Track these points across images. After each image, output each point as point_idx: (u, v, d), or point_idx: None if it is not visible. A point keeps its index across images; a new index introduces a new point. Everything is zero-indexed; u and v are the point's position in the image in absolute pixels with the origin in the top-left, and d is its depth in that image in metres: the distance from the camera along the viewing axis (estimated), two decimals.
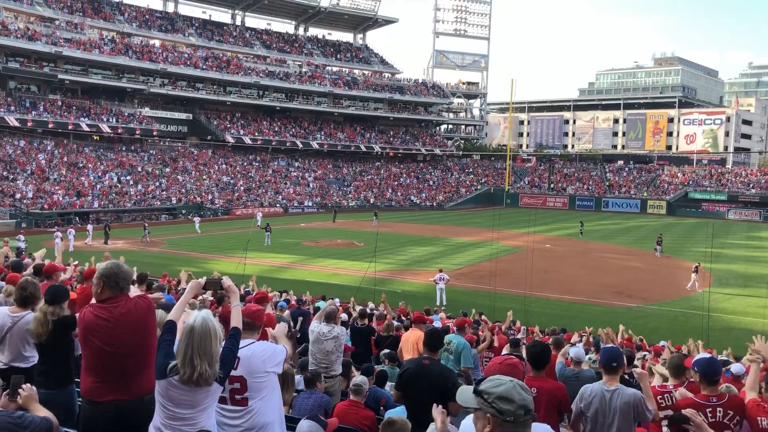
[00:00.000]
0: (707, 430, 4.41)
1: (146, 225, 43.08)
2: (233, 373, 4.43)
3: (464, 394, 2.78)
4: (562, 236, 49.81)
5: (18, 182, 50.91)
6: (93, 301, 4.50)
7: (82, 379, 4.32)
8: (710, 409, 4.81)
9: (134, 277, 4.74)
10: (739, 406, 4.86)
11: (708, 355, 5.35)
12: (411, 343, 8.93)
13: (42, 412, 3.96)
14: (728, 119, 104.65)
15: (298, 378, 7.58)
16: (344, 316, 12.78)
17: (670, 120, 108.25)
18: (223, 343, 4.21)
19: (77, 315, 5.41)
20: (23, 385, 4.00)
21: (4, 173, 51.53)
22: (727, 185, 79.64)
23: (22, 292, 5.57)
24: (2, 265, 11.66)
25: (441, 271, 26.63)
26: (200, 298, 10.18)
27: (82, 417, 4.24)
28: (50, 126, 57.95)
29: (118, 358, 4.23)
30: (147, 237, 41.36)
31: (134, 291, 4.88)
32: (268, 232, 41.51)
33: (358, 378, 6.53)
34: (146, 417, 4.23)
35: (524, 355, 7.82)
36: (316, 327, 8.15)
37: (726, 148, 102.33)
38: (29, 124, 56.60)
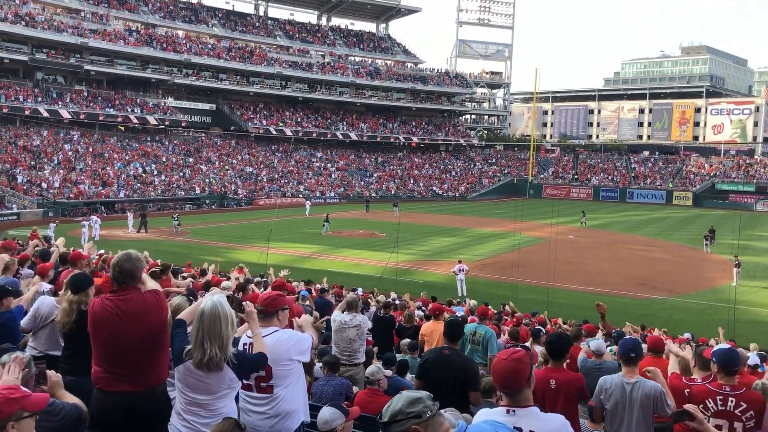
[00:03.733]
0: (707, 426, 4.33)
1: (175, 216, 42.44)
2: None
3: None
4: (586, 227, 49.38)
5: (45, 172, 51.71)
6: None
7: (93, 368, 4.31)
8: (721, 397, 4.74)
9: (145, 269, 4.62)
10: (757, 402, 4.75)
11: (727, 346, 5.28)
12: (438, 335, 8.89)
13: (71, 398, 4.03)
14: (757, 109, 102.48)
15: (316, 367, 7.64)
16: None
17: (697, 110, 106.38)
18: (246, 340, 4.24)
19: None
20: (49, 372, 4.07)
21: (32, 163, 52.36)
22: (755, 176, 78.28)
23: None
24: (30, 254, 11.85)
25: (460, 262, 26.57)
26: (222, 285, 10.29)
27: (93, 404, 4.23)
28: (75, 116, 58.75)
29: (127, 351, 4.19)
30: (178, 228, 40.89)
31: (153, 284, 4.83)
32: (327, 222, 42.40)
33: (371, 368, 6.54)
34: (157, 408, 4.27)
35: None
36: (338, 316, 8.25)
37: (755, 138, 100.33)
38: (56, 114, 57.44)
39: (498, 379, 3.38)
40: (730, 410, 4.71)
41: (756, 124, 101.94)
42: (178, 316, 4.40)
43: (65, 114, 58.02)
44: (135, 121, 63.42)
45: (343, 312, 8.29)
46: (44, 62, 60.05)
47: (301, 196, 66.22)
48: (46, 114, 56.81)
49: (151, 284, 4.71)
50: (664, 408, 5.00)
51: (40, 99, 57.90)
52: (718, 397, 4.75)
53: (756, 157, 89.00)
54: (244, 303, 4.87)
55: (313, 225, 44.57)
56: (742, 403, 4.71)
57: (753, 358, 8.02)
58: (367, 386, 6.44)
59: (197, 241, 37.50)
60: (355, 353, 8.12)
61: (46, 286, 7.51)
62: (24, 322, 6.08)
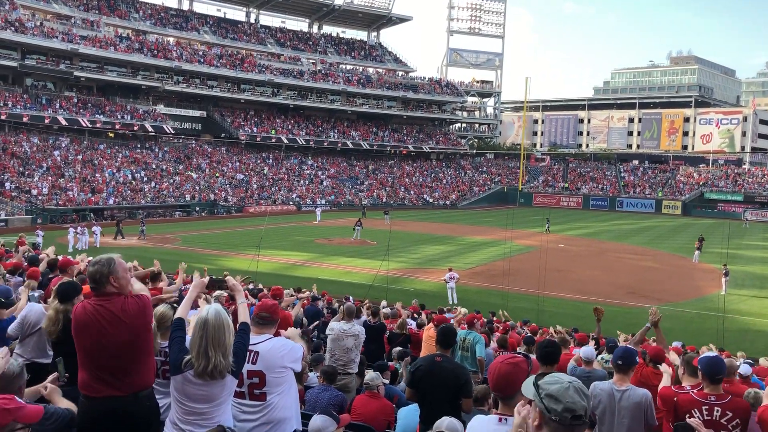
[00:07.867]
0: None
1: (143, 222, 42.58)
2: (252, 367, 4.48)
3: (527, 384, 2.74)
4: (576, 236, 49.58)
5: (34, 178, 51.40)
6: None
7: (79, 374, 4.28)
8: (707, 407, 4.73)
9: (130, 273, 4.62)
10: (743, 410, 4.73)
11: (713, 354, 5.29)
12: None
13: (64, 403, 4.07)
14: (745, 119, 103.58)
15: (311, 375, 7.62)
16: None
17: (686, 119, 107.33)
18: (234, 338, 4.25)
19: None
20: (51, 378, 4.11)
21: (20, 169, 52.03)
22: (743, 185, 78.92)
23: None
24: (20, 261, 11.78)
25: (451, 270, 26.55)
26: (215, 294, 10.24)
27: (79, 410, 4.21)
28: (65, 123, 58.51)
29: (109, 356, 4.16)
30: (144, 235, 40.56)
31: (140, 287, 4.86)
32: (359, 227, 43.91)
33: (370, 374, 6.55)
34: (142, 413, 4.24)
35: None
36: (336, 325, 8.26)
37: (743, 148, 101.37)
38: (45, 120, 57.19)
39: (492, 382, 3.41)
40: (716, 420, 4.70)
41: (744, 134, 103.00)
42: (176, 315, 4.38)
43: (55, 120, 57.73)
44: (125, 127, 63.19)
45: (341, 321, 8.33)
46: (34, 68, 59.80)
47: (291, 203, 66.18)
48: (34, 120, 56.48)
49: (139, 287, 4.71)
50: (653, 416, 5.00)
51: (29, 105, 57.60)
52: (703, 407, 4.73)
53: (744, 166, 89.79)
54: (226, 278, 4.91)
55: (303, 233, 44.47)
56: (727, 412, 4.69)
57: (744, 368, 8.06)
58: (366, 391, 6.45)
59: (187, 249, 37.34)
60: (350, 363, 8.10)
61: (36, 292, 7.46)
62: (11, 328, 6.00)
